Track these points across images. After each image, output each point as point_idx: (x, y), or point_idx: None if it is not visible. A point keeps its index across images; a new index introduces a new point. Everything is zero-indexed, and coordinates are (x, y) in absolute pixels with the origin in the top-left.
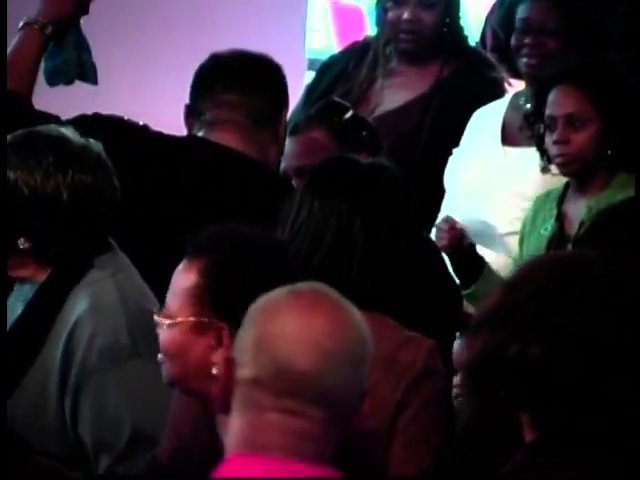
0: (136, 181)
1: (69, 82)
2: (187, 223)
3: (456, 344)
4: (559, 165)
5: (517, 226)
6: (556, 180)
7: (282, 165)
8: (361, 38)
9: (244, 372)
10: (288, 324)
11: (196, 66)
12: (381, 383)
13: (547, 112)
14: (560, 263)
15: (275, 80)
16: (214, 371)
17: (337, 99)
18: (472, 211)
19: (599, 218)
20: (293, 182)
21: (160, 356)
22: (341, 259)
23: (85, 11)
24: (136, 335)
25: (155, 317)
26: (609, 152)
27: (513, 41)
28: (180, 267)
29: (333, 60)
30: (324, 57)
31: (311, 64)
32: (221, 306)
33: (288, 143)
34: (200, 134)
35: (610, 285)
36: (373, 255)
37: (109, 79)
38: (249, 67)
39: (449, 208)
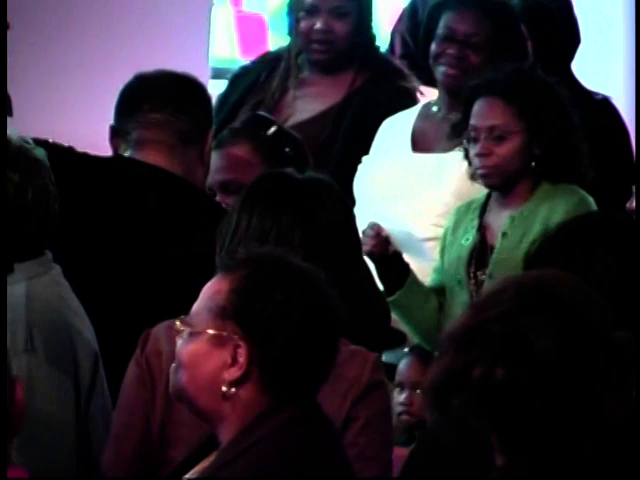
0: (63, 201)
1: None
2: (115, 242)
3: (402, 362)
4: (481, 177)
5: (434, 232)
6: (471, 185)
7: (208, 180)
8: (265, 47)
9: None
10: None
11: (102, 77)
12: (327, 398)
13: (471, 122)
14: (525, 285)
15: (200, 99)
16: (223, 389)
17: (262, 113)
18: (383, 218)
19: (553, 235)
20: (217, 197)
21: (173, 365)
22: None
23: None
24: (34, 335)
25: (177, 324)
26: (533, 164)
27: (434, 48)
28: (212, 280)
29: (244, 70)
30: (228, 66)
31: (215, 73)
32: (243, 323)
33: (213, 158)
34: (127, 154)
35: (574, 305)
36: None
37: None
38: (174, 86)
39: (360, 216)
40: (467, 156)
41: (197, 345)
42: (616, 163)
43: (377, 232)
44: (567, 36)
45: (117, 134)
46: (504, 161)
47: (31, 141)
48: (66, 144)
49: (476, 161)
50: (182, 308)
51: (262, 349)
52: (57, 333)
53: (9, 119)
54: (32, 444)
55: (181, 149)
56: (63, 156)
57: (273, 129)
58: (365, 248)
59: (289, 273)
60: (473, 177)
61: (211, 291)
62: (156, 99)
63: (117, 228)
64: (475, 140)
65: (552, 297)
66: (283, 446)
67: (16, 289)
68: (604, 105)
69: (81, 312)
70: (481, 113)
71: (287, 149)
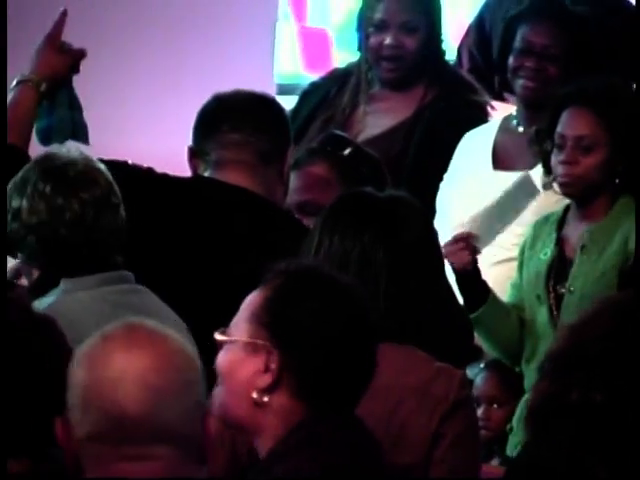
0: (147, 225)
1: (63, 141)
2: (200, 264)
3: (478, 378)
4: (562, 185)
5: (514, 252)
6: (551, 206)
7: (286, 200)
8: (329, 62)
9: (80, 431)
10: (107, 372)
11: (169, 95)
12: (415, 415)
13: (558, 130)
14: (620, 306)
15: (279, 119)
16: (254, 395)
17: (339, 132)
18: None
19: None
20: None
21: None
22: (367, 291)
23: (77, 70)
24: None
25: (216, 336)
26: (617, 180)
27: (512, 61)
28: (252, 292)
29: (314, 87)
30: (293, 82)
31: (280, 89)
32: (275, 330)
33: (291, 178)
34: (206, 174)
35: None
36: (399, 286)
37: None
38: (253, 106)
39: (442, 234)
40: (546, 164)
41: (232, 354)
42: None
43: (467, 235)
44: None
45: (196, 155)
46: (588, 172)
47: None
48: (145, 165)
49: (559, 169)
50: None
51: (294, 356)
52: None
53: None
54: None
55: (261, 169)
56: (143, 178)
57: (350, 149)
58: (451, 256)
59: (323, 282)
60: (548, 186)
61: (248, 302)
62: (235, 119)
63: (202, 250)
64: (561, 148)
65: None
66: (320, 455)
67: (42, 302)
68: None
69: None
70: (571, 122)
71: (365, 169)
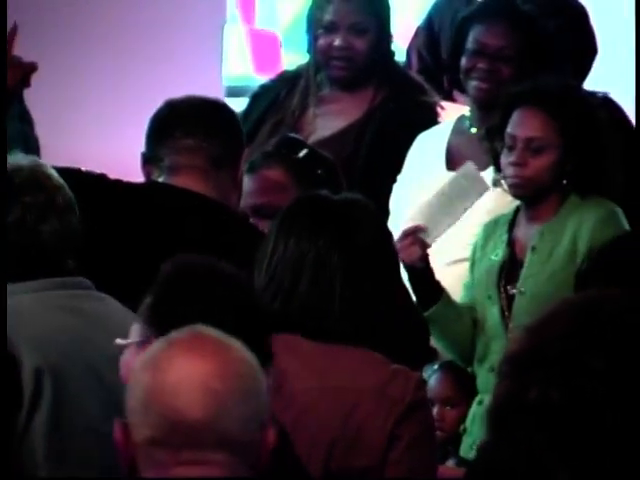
0: (101, 231)
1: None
2: (153, 268)
3: (432, 379)
4: (511, 186)
5: (467, 252)
6: (505, 205)
7: (241, 204)
8: (278, 64)
9: (139, 434)
10: (170, 376)
11: (115, 98)
12: (371, 417)
13: (509, 130)
14: (578, 306)
15: (231, 124)
16: None
17: (293, 135)
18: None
19: (604, 252)
20: (251, 220)
21: None
22: (322, 294)
23: (27, 84)
24: None
25: (116, 341)
26: (564, 181)
27: (464, 62)
28: None
29: (264, 89)
30: (242, 84)
31: (230, 91)
32: (162, 328)
33: (245, 181)
34: (161, 180)
35: (629, 324)
36: (354, 289)
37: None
38: (205, 112)
39: (395, 235)
40: (496, 162)
41: (129, 356)
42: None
43: (415, 229)
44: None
45: (149, 161)
46: (538, 174)
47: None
48: (97, 172)
49: (510, 170)
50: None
51: None
52: None
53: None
54: None
55: (214, 174)
56: (96, 184)
57: (305, 151)
58: (400, 252)
59: (207, 276)
60: (497, 183)
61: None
62: (187, 125)
63: (155, 255)
64: (511, 148)
65: (606, 317)
66: None
67: None
68: (606, 105)
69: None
70: (522, 122)
71: (320, 171)
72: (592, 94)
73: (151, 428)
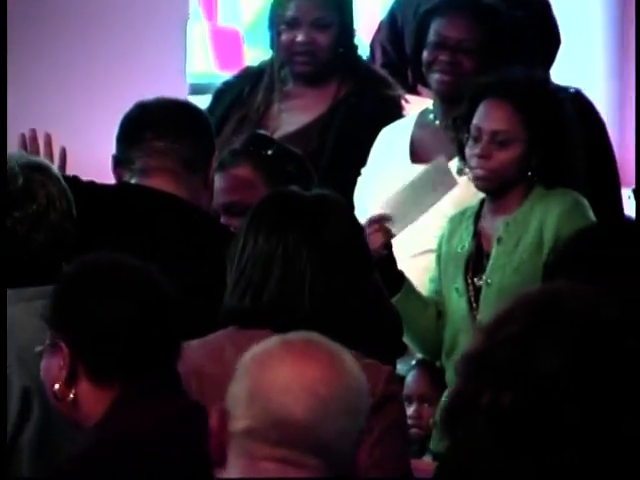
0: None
1: None
2: None
3: (409, 376)
4: (476, 179)
5: (435, 244)
6: (472, 195)
7: (212, 202)
8: (241, 60)
9: (238, 424)
10: (281, 373)
11: (77, 96)
12: None
13: (475, 122)
14: (532, 304)
15: (202, 126)
16: (55, 389)
17: (262, 132)
18: None
19: (570, 243)
20: (222, 219)
21: None
22: (292, 290)
23: None
24: None
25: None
26: (529, 173)
27: (426, 55)
28: None
29: (227, 86)
30: (205, 81)
31: (193, 88)
32: (61, 327)
33: (215, 180)
34: (132, 182)
35: (583, 319)
36: (323, 284)
37: None
38: (176, 114)
39: None
40: (461, 152)
41: (44, 360)
42: (596, 156)
43: (381, 217)
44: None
45: (120, 163)
46: (502, 167)
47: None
48: (70, 174)
49: (474, 161)
50: (194, 333)
51: (79, 347)
52: None
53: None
54: None
55: (185, 175)
56: (69, 186)
57: (274, 148)
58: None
59: (104, 272)
60: (460, 172)
61: None
62: (158, 127)
63: (128, 255)
64: (476, 140)
65: (559, 313)
66: (116, 430)
67: None
68: (577, 100)
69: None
70: (487, 115)
71: (289, 167)
72: (564, 89)
73: (252, 419)
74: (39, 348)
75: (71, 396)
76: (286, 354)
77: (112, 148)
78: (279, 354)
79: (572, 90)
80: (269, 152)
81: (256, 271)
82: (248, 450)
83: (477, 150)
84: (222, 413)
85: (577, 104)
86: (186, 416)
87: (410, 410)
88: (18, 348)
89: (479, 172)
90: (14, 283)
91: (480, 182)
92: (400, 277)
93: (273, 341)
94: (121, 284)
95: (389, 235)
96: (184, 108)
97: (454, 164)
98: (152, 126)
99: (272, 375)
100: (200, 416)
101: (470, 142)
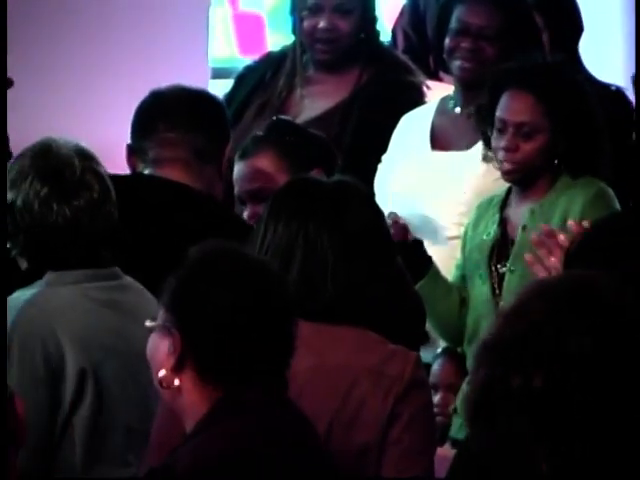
0: None
1: None
2: (142, 259)
3: (435, 364)
4: (504, 172)
5: (457, 231)
6: (492, 183)
7: (235, 190)
8: (263, 45)
9: None
10: None
11: (101, 80)
12: (370, 395)
13: (498, 114)
14: (553, 289)
15: (216, 115)
16: (160, 374)
17: (284, 117)
18: (405, 217)
19: (593, 231)
20: (247, 207)
21: None
22: (315, 274)
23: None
24: (12, 341)
25: (146, 323)
26: (555, 161)
27: (448, 42)
28: None
29: (249, 70)
30: (227, 65)
31: (215, 73)
32: (179, 314)
33: (238, 167)
34: (146, 172)
35: (606, 304)
36: (346, 269)
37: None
38: (189, 104)
39: None
40: (486, 141)
41: (152, 340)
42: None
43: (395, 220)
44: (577, 26)
45: (134, 153)
46: (529, 158)
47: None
48: None
49: (501, 154)
50: None
51: (194, 339)
52: (41, 343)
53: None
54: None
55: (198, 166)
56: None
57: (296, 134)
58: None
59: (226, 264)
60: (486, 158)
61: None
62: (171, 118)
63: (143, 246)
64: (501, 132)
65: (583, 298)
66: (225, 433)
67: (24, 294)
68: (619, 97)
69: (121, 330)
70: (511, 107)
71: (312, 152)
72: (606, 85)
73: None
74: (150, 323)
75: (176, 383)
76: None
77: None
78: None
79: (613, 88)
80: (291, 138)
81: (277, 259)
82: None
83: (503, 143)
84: None
85: (618, 102)
86: (289, 431)
87: (436, 398)
88: (70, 330)
89: (507, 165)
90: (56, 266)
91: (508, 175)
92: (428, 261)
93: None
94: (244, 278)
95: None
96: (198, 97)
97: (478, 151)
98: (164, 117)
99: None
100: (306, 429)
101: (495, 134)
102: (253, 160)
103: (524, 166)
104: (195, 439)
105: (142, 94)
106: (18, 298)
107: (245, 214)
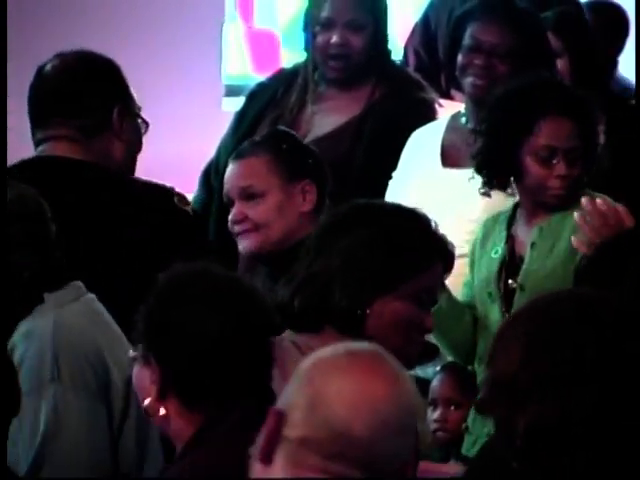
0: None
1: None
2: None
3: (435, 379)
4: (558, 198)
5: (466, 248)
6: (500, 201)
7: (225, 188)
8: (277, 62)
9: (293, 431)
10: (346, 386)
11: None
12: None
13: (543, 142)
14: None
15: (101, 83)
16: (145, 404)
17: (283, 128)
18: None
19: (602, 249)
20: (235, 206)
21: None
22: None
23: None
24: (61, 363)
25: (129, 353)
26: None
27: (461, 59)
28: None
29: (261, 87)
30: (241, 83)
31: (228, 90)
32: (152, 345)
33: (231, 167)
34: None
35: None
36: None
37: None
38: (71, 78)
39: None
40: (480, 169)
41: (135, 369)
42: None
43: None
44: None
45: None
46: (577, 184)
47: None
48: None
49: (556, 182)
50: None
51: (170, 367)
52: (85, 359)
53: None
54: (64, 470)
55: (86, 141)
56: None
57: (293, 142)
58: None
59: (197, 289)
60: (485, 194)
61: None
62: (52, 97)
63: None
64: (548, 160)
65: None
66: (206, 456)
67: (45, 319)
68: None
69: (117, 335)
70: (558, 133)
71: (305, 163)
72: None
73: (310, 428)
74: (132, 354)
75: (161, 412)
76: (352, 367)
77: (149, 146)
78: (344, 366)
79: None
80: (287, 146)
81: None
82: (299, 458)
83: (560, 170)
84: (280, 415)
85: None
86: None
87: (436, 414)
88: (105, 341)
89: (561, 192)
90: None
91: (562, 201)
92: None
93: (337, 351)
94: (215, 300)
95: None
96: (82, 68)
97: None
98: (46, 95)
99: (336, 387)
100: None
101: (539, 162)
102: (247, 160)
103: (575, 190)
104: (181, 461)
105: (157, 112)
106: (35, 326)
107: (230, 215)
